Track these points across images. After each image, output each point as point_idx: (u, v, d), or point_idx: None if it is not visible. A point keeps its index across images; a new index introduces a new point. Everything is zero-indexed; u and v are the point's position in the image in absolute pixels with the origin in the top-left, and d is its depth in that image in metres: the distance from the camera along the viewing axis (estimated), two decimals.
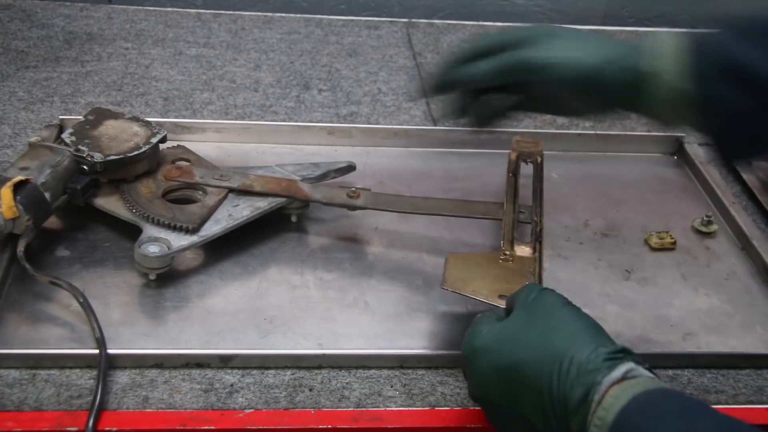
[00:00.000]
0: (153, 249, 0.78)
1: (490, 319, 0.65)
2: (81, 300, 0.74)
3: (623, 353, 0.57)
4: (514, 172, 0.91)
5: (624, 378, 0.55)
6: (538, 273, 0.78)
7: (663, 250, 0.90)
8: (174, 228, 0.80)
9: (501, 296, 0.73)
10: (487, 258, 0.79)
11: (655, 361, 0.73)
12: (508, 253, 0.79)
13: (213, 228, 0.82)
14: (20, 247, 0.76)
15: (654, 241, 0.91)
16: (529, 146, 0.93)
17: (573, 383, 0.56)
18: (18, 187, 0.76)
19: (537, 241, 0.81)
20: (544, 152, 1.05)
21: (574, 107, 0.76)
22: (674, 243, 0.91)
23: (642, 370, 0.57)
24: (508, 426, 0.62)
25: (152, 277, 0.79)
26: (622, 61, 0.71)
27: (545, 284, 0.82)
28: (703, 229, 0.94)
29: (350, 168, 0.93)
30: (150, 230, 0.80)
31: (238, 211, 0.84)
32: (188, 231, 0.80)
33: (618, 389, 0.55)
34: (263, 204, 0.85)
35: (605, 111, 0.76)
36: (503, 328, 0.63)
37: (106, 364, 0.70)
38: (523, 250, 0.80)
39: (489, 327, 0.64)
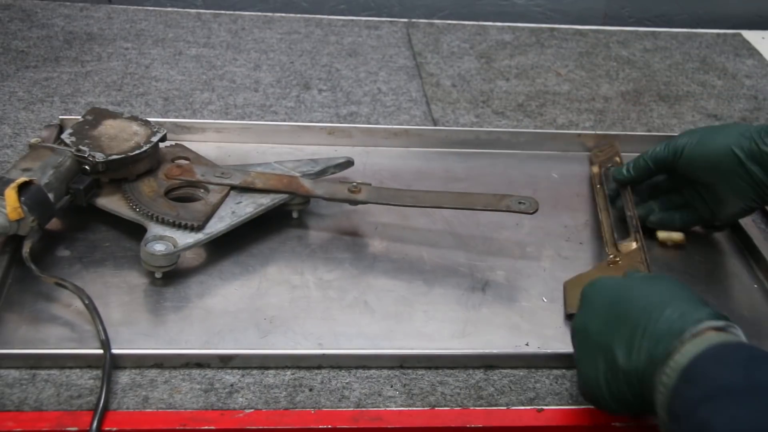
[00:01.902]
0: (159, 247, 0.78)
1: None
2: (86, 301, 0.74)
3: (723, 320, 0.61)
4: (600, 182, 0.96)
5: (715, 328, 0.60)
6: (646, 261, 0.81)
7: (672, 247, 0.91)
8: (179, 226, 0.80)
9: None
10: (599, 269, 0.83)
11: None
12: (613, 255, 0.83)
13: (217, 225, 0.82)
14: (25, 248, 0.76)
15: (662, 235, 0.91)
16: (606, 151, 1.00)
17: (668, 328, 0.61)
18: (22, 189, 0.76)
19: (636, 232, 0.85)
20: (546, 152, 1.06)
21: (720, 197, 0.86)
22: (683, 238, 0.91)
23: (733, 328, 0.61)
24: (591, 359, 0.66)
25: (158, 275, 0.79)
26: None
27: (547, 285, 0.82)
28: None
29: (349, 163, 0.93)
30: (155, 229, 0.80)
31: (242, 208, 0.84)
32: (193, 229, 0.80)
33: (700, 339, 0.59)
34: (266, 200, 0.85)
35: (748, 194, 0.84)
36: (625, 280, 0.69)
37: (111, 366, 0.70)
38: (628, 246, 0.84)
39: (612, 278, 0.71)
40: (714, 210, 0.88)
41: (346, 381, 0.72)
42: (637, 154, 0.91)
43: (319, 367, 0.73)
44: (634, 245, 0.84)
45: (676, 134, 0.99)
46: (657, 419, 0.60)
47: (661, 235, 0.90)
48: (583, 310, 0.69)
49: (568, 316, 0.79)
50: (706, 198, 0.88)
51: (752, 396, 0.53)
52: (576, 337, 0.69)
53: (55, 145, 0.84)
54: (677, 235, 0.91)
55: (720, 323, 0.61)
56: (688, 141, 0.86)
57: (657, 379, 0.60)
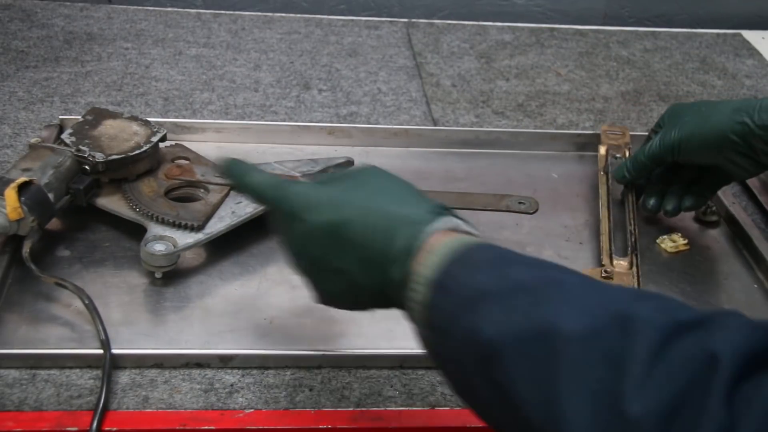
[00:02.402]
0: (159, 247, 0.78)
1: (307, 185, 0.64)
2: (87, 302, 0.74)
3: (446, 209, 0.59)
4: (605, 169, 0.94)
5: (446, 230, 0.57)
6: (638, 283, 0.80)
7: (676, 253, 0.90)
8: (179, 226, 0.80)
9: None
10: (590, 274, 0.81)
11: None
12: (609, 270, 0.81)
13: (217, 225, 0.82)
14: (26, 249, 0.76)
15: (669, 245, 0.90)
16: (617, 138, 0.96)
17: (396, 234, 0.57)
18: (22, 189, 0.76)
19: (633, 253, 0.83)
20: (546, 152, 1.06)
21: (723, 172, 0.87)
22: (687, 244, 0.91)
23: (463, 225, 0.59)
24: (326, 281, 0.62)
25: (158, 275, 0.79)
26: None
27: None
28: (706, 218, 0.94)
29: (349, 163, 0.93)
30: (155, 229, 0.80)
31: (242, 208, 0.84)
32: (193, 229, 0.80)
33: (439, 246, 0.55)
34: None
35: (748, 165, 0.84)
36: (327, 189, 0.62)
37: (111, 366, 0.70)
38: (622, 265, 0.82)
39: (308, 189, 0.62)
40: (722, 182, 0.90)
41: (346, 381, 0.72)
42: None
43: (319, 367, 0.73)
44: (625, 267, 0.82)
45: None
46: (416, 334, 0.56)
47: (668, 246, 0.90)
48: (295, 240, 0.62)
49: None
50: (711, 176, 0.89)
51: (511, 294, 0.51)
52: (299, 267, 0.64)
53: (55, 145, 0.84)
54: (682, 244, 0.90)
55: (451, 223, 0.58)
56: (681, 134, 0.85)
57: (404, 296, 0.56)
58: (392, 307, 0.59)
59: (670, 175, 0.92)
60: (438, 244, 0.56)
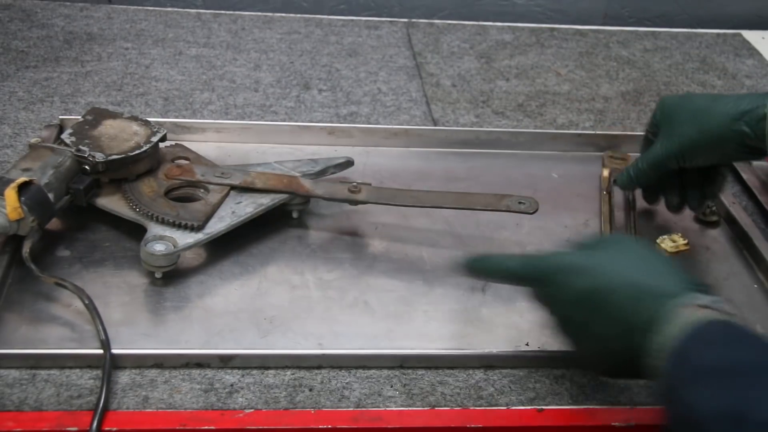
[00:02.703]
0: (159, 247, 0.78)
1: (571, 250, 0.71)
2: (87, 302, 0.74)
3: (704, 287, 0.63)
4: (608, 189, 0.95)
5: (695, 306, 0.60)
6: None
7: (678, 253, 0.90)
8: (179, 226, 0.80)
9: None
10: None
11: None
12: None
13: (217, 225, 0.82)
14: (26, 248, 0.76)
15: (669, 245, 0.90)
16: (618, 163, 0.98)
17: (650, 305, 0.62)
18: (22, 189, 0.76)
19: None
20: (546, 152, 1.06)
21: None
22: (687, 244, 0.91)
23: (719, 305, 0.61)
24: (580, 339, 0.68)
25: (158, 275, 0.79)
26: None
27: None
28: (706, 218, 0.94)
29: (349, 163, 0.93)
30: (155, 229, 0.80)
31: (242, 208, 0.84)
32: (193, 229, 0.80)
33: (685, 318, 0.59)
34: (266, 200, 0.85)
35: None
36: (590, 255, 0.68)
37: (111, 366, 0.70)
38: None
39: (573, 254, 0.69)
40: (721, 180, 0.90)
41: (346, 381, 0.72)
42: (638, 155, 0.91)
43: (319, 367, 0.73)
44: None
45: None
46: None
47: (668, 246, 0.90)
48: (557, 296, 0.68)
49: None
50: (712, 172, 0.88)
51: (733, 376, 0.53)
52: (557, 320, 0.69)
53: (55, 145, 0.84)
54: (682, 244, 0.90)
55: (704, 300, 0.61)
56: (681, 143, 0.84)
57: (646, 361, 0.61)
58: (642, 378, 0.63)
59: (676, 176, 0.91)
60: (683, 318, 0.60)
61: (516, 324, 0.79)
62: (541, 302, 0.71)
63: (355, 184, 0.87)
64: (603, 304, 0.64)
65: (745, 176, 1.02)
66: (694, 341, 0.57)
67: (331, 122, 1.08)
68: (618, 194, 0.96)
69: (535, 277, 0.70)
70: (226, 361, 0.72)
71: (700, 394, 0.54)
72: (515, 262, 0.72)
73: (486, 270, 0.74)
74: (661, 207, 0.96)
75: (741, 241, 0.93)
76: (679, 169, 0.87)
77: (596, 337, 0.65)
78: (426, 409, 0.70)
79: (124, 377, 0.70)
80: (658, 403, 0.60)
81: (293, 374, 0.72)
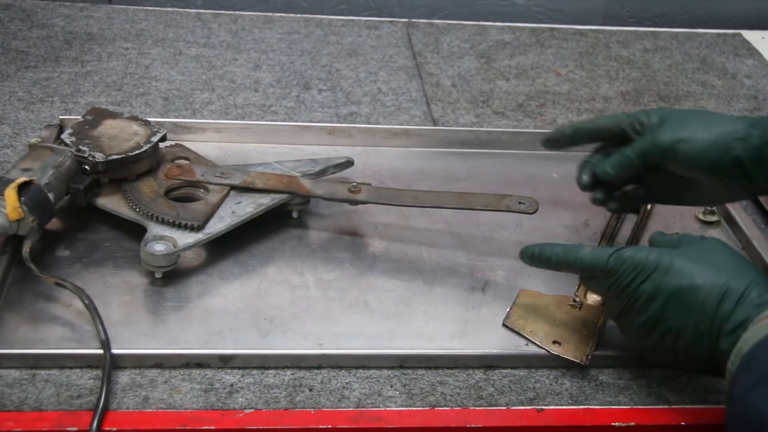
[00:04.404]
0: (159, 247, 0.78)
1: (647, 249, 0.71)
2: (87, 302, 0.74)
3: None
4: (615, 211, 0.92)
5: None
6: (600, 326, 0.78)
7: None
8: (179, 226, 0.80)
9: (555, 342, 0.76)
10: (557, 301, 0.81)
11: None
12: (578, 299, 0.80)
13: (217, 225, 0.82)
14: (26, 248, 0.76)
15: None
16: None
17: (736, 309, 0.64)
18: (22, 189, 0.76)
19: None
20: (546, 152, 1.05)
21: (702, 190, 0.80)
22: None
23: None
24: (651, 333, 0.68)
25: (158, 275, 0.79)
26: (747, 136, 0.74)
27: (548, 285, 0.81)
28: (706, 218, 0.94)
29: (349, 163, 0.93)
30: (155, 229, 0.80)
31: (242, 208, 0.84)
32: (193, 229, 0.80)
33: (762, 325, 0.61)
34: (266, 200, 0.85)
35: (733, 189, 0.78)
36: (673, 253, 0.69)
37: (111, 366, 0.70)
38: (594, 299, 0.81)
39: (659, 253, 0.69)
40: (688, 198, 0.82)
41: (346, 381, 0.72)
42: None
43: (319, 367, 0.73)
44: (598, 302, 0.80)
45: None
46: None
47: None
48: (644, 295, 0.68)
49: (504, 324, 0.78)
50: (684, 187, 0.80)
51: None
52: (636, 315, 0.69)
53: (55, 145, 0.84)
54: None
55: None
56: (679, 136, 0.76)
57: (720, 362, 0.64)
58: (715, 375, 0.66)
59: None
60: (760, 326, 0.62)
61: None
62: (601, 293, 0.73)
63: (355, 184, 0.87)
64: (684, 302, 0.66)
65: None
66: (764, 348, 0.60)
67: (331, 122, 1.08)
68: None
69: (605, 269, 0.70)
70: (226, 361, 0.72)
71: (763, 396, 0.56)
72: (589, 253, 0.72)
73: (551, 259, 0.74)
74: (660, 208, 0.96)
75: (741, 241, 0.93)
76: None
77: (673, 334, 0.67)
78: (426, 409, 0.70)
79: (124, 377, 0.70)
80: (723, 403, 0.62)
81: (293, 374, 0.72)
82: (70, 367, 0.71)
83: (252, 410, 0.69)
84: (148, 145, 0.85)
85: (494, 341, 0.77)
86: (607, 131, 0.83)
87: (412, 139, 1.04)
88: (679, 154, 0.76)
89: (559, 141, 0.87)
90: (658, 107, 0.88)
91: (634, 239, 0.89)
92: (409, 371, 0.74)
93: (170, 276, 0.80)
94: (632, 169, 0.79)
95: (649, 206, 0.94)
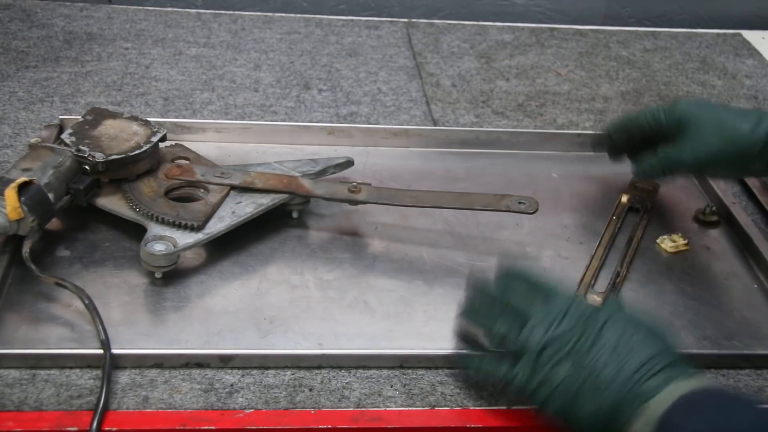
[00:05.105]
0: (159, 247, 0.78)
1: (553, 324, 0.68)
2: (87, 302, 0.74)
3: (674, 363, 0.63)
4: (618, 215, 0.93)
5: (671, 381, 0.61)
6: None
7: (677, 253, 0.90)
8: (179, 226, 0.80)
9: None
10: None
11: None
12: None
13: (217, 225, 0.82)
14: (26, 248, 0.76)
15: (669, 245, 0.90)
16: (643, 193, 0.97)
17: (623, 392, 0.62)
18: (22, 189, 0.76)
19: (610, 292, 0.82)
20: (546, 152, 1.06)
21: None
22: (687, 244, 0.91)
23: (689, 373, 0.63)
24: (568, 417, 0.66)
25: (158, 275, 0.79)
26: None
27: None
28: (706, 218, 0.94)
29: (349, 163, 0.93)
30: (155, 229, 0.80)
31: (242, 208, 0.84)
32: (193, 229, 0.80)
33: (671, 387, 0.61)
34: (266, 200, 0.85)
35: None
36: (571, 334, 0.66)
37: (111, 366, 0.70)
38: (594, 300, 0.81)
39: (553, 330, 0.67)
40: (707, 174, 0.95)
41: (346, 381, 0.72)
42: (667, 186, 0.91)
43: (319, 367, 0.73)
44: (598, 302, 0.80)
45: None
46: None
47: (668, 246, 0.90)
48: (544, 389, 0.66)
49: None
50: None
51: None
52: (544, 404, 0.67)
53: (55, 145, 0.84)
54: (682, 244, 0.90)
55: (688, 371, 0.63)
56: (707, 153, 0.84)
57: (632, 428, 0.61)
58: None
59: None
60: (672, 385, 0.61)
61: None
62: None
63: (355, 184, 0.87)
64: (589, 386, 0.63)
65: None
66: (682, 410, 0.59)
67: (331, 122, 1.08)
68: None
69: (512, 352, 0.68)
70: (226, 361, 0.72)
71: None
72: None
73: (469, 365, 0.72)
74: (660, 209, 0.96)
75: (741, 241, 0.93)
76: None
77: (585, 415, 0.64)
78: (426, 409, 0.70)
79: (124, 377, 0.70)
80: None
81: (293, 374, 0.72)
82: (70, 367, 0.71)
83: (252, 410, 0.69)
84: (148, 145, 0.85)
85: None
86: (637, 127, 0.91)
87: (412, 139, 1.04)
88: (705, 171, 0.90)
89: (602, 142, 0.95)
90: (675, 103, 0.88)
91: (617, 281, 0.86)
92: (409, 371, 0.74)
93: (170, 276, 0.80)
94: (658, 176, 0.90)
95: (646, 218, 0.94)
